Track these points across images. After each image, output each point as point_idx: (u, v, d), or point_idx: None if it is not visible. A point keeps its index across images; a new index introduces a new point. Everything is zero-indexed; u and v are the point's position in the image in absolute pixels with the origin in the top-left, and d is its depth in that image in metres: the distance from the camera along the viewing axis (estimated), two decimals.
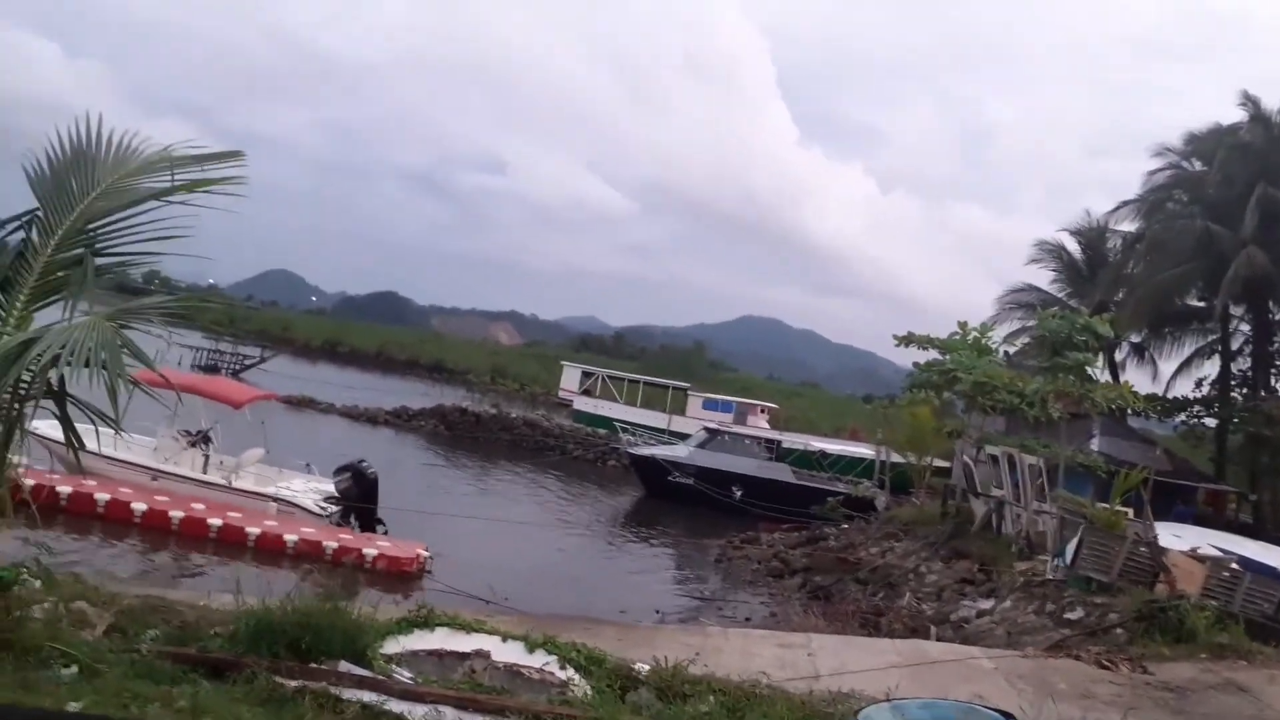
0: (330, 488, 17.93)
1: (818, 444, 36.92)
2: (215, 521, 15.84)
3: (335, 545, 15.69)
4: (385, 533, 17.55)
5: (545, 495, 29.30)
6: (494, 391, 48.52)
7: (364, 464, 18.12)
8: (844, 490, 29.20)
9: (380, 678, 5.28)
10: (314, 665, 5.28)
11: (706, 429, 33.52)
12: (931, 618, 14.40)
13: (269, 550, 15.57)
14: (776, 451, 32.42)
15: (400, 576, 15.54)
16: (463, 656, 5.75)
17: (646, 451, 32.38)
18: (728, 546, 23.07)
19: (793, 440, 35.60)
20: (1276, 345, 33.32)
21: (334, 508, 17.51)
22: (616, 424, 37.43)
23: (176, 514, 15.87)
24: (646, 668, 6.18)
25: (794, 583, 19.20)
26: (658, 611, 15.75)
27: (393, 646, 5.78)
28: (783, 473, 30.99)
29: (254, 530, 15.80)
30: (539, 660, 5.85)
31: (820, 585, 18.43)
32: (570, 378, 50.06)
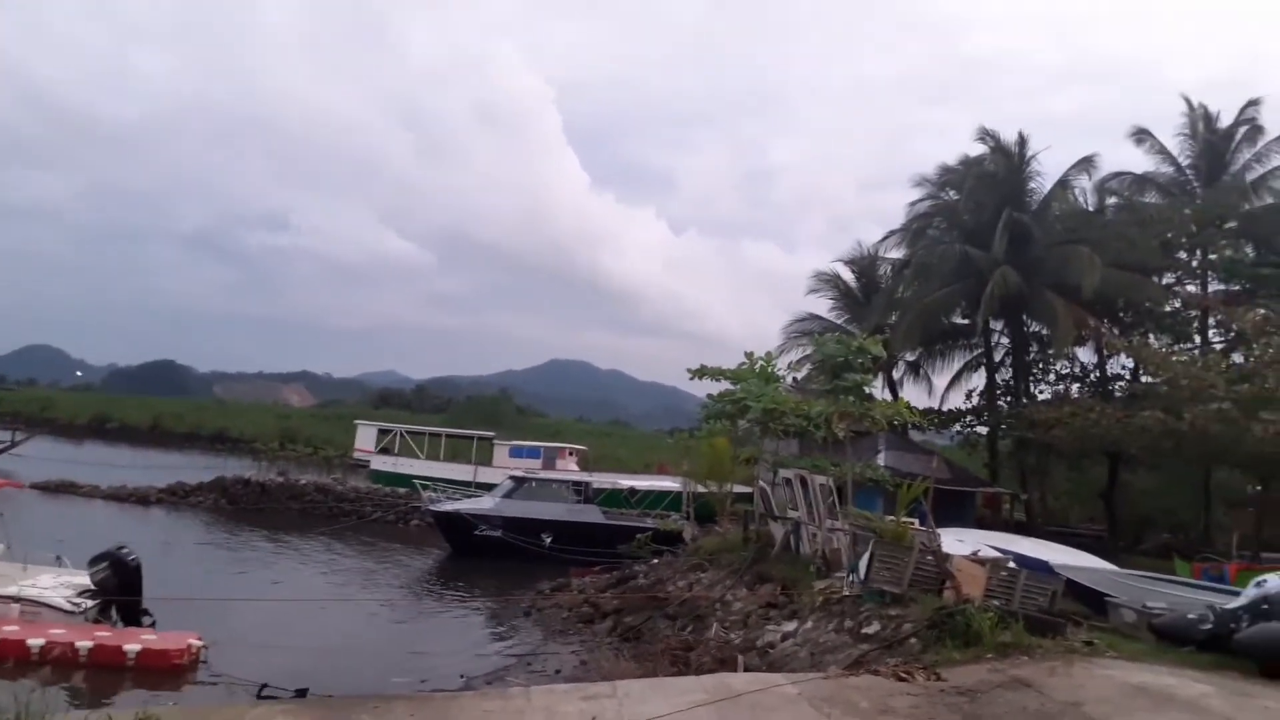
0: (86, 580, 16.08)
1: (626, 482, 36.95)
2: None
3: (90, 645, 13.99)
4: (152, 624, 15.86)
5: (342, 565, 27.60)
6: (283, 458, 45.65)
7: (124, 550, 16.34)
8: (653, 526, 29.22)
9: None
10: None
11: (513, 477, 32.79)
12: (739, 646, 14.33)
13: (11, 659, 13.67)
14: (586, 493, 32.09)
15: (169, 671, 14.01)
16: None
17: (450, 507, 31.25)
18: (537, 597, 22.43)
19: (602, 480, 35.44)
20: (1032, 355, 36.40)
21: (90, 603, 15.66)
22: (417, 481, 36.02)
23: None
24: None
25: (605, 626, 18.82)
26: (462, 676, 14.93)
27: None
28: (593, 514, 30.71)
29: None
30: None
31: (631, 626, 18.13)
32: (365, 436, 47.97)
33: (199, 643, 14.68)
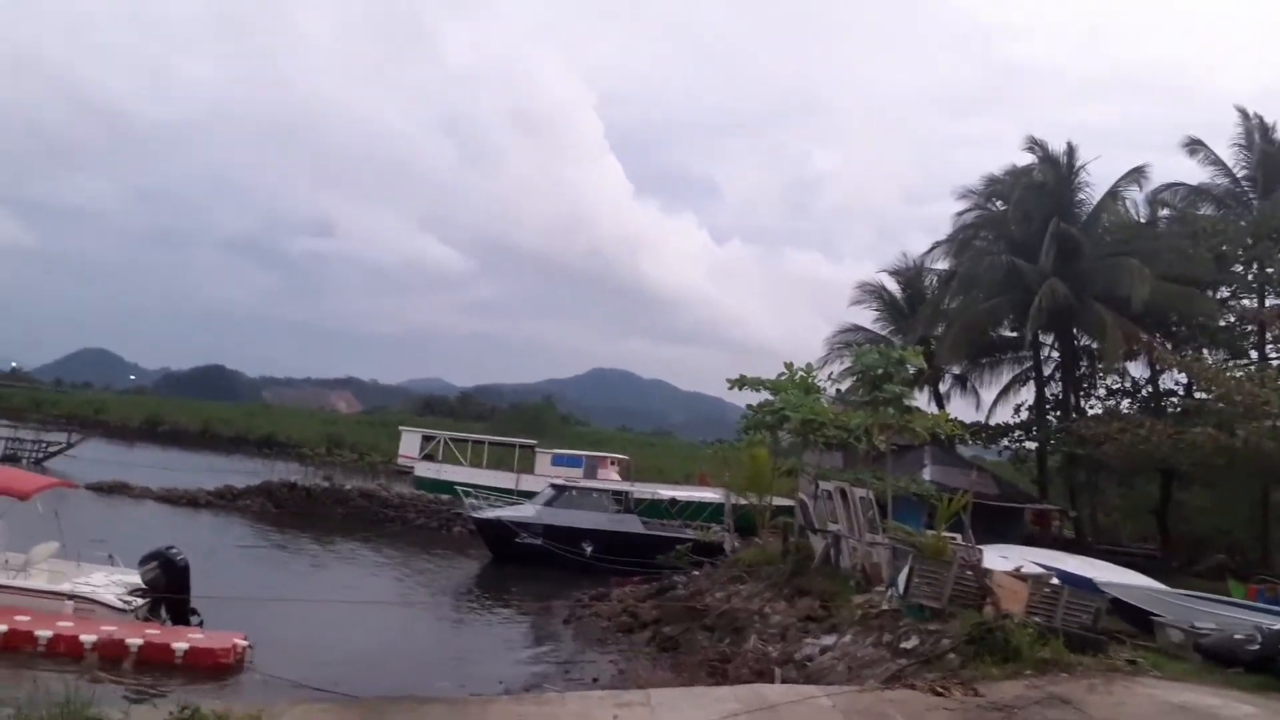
0: (136, 579, 16.48)
1: (667, 492, 36.93)
2: None
3: (140, 642, 14.33)
4: (200, 624, 16.22)
5: (385, 570, 27.95)
6: (329, 463, 46.47)
7: (173, 550, 16.72)
8: (693, 536, 29.15)
9: None
10: None
11: (553, 485, 32.87)
12: (777, 659, 14.30)
13: (64, 655, 14.05)
14: (626, 503, 32.04)
15: (216, 670, 14.32)
16: None
17: (491, 514, 31.47)
18: (577, 606, 22.52)
19: (642, 490, 35.45)
20: (1083, 370, 35.78)
21: (140, 601, 16.04)
22: (459, 488, 36.35)
23: None
24: None
25: (643, 636, 18.82)
26: (500, 683, 15.03)
27: None
28: (633, 524, 30.66)
29: (44, 633, 14.21)
30: None
31: (669, 636, 18.13)
32: (410, 443, 48.57)
33: (244, 643, 14.94)
